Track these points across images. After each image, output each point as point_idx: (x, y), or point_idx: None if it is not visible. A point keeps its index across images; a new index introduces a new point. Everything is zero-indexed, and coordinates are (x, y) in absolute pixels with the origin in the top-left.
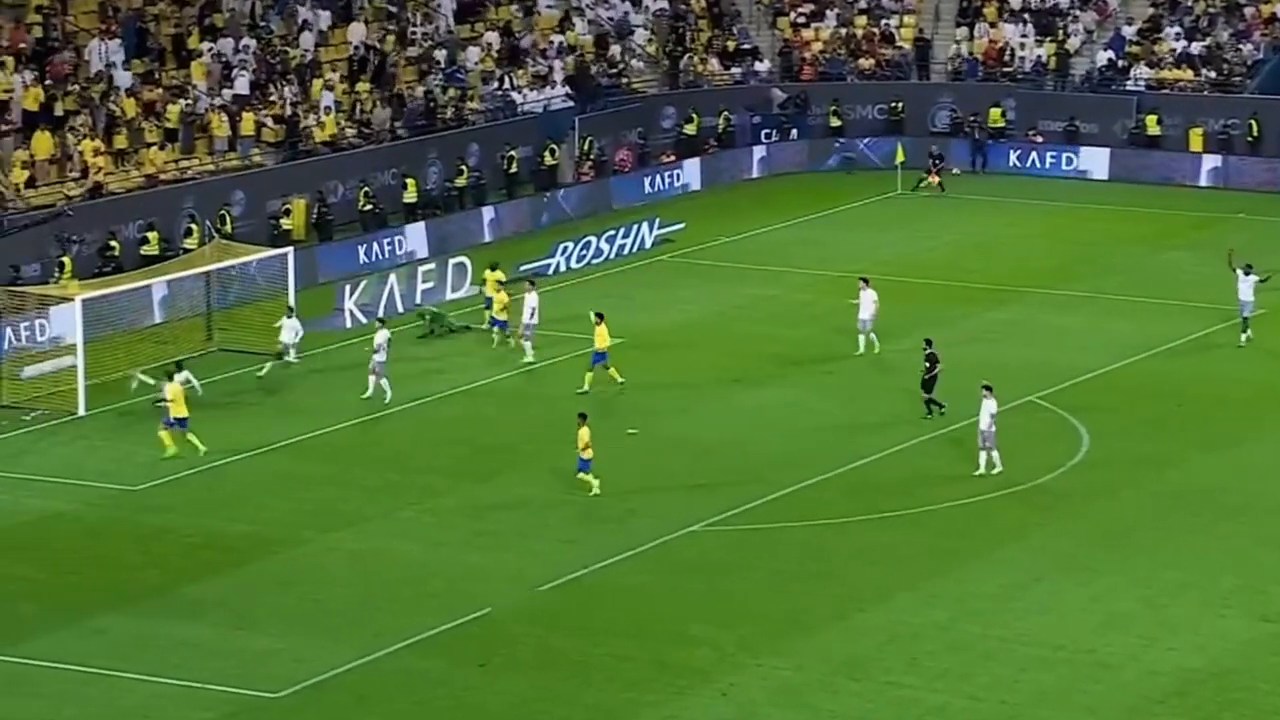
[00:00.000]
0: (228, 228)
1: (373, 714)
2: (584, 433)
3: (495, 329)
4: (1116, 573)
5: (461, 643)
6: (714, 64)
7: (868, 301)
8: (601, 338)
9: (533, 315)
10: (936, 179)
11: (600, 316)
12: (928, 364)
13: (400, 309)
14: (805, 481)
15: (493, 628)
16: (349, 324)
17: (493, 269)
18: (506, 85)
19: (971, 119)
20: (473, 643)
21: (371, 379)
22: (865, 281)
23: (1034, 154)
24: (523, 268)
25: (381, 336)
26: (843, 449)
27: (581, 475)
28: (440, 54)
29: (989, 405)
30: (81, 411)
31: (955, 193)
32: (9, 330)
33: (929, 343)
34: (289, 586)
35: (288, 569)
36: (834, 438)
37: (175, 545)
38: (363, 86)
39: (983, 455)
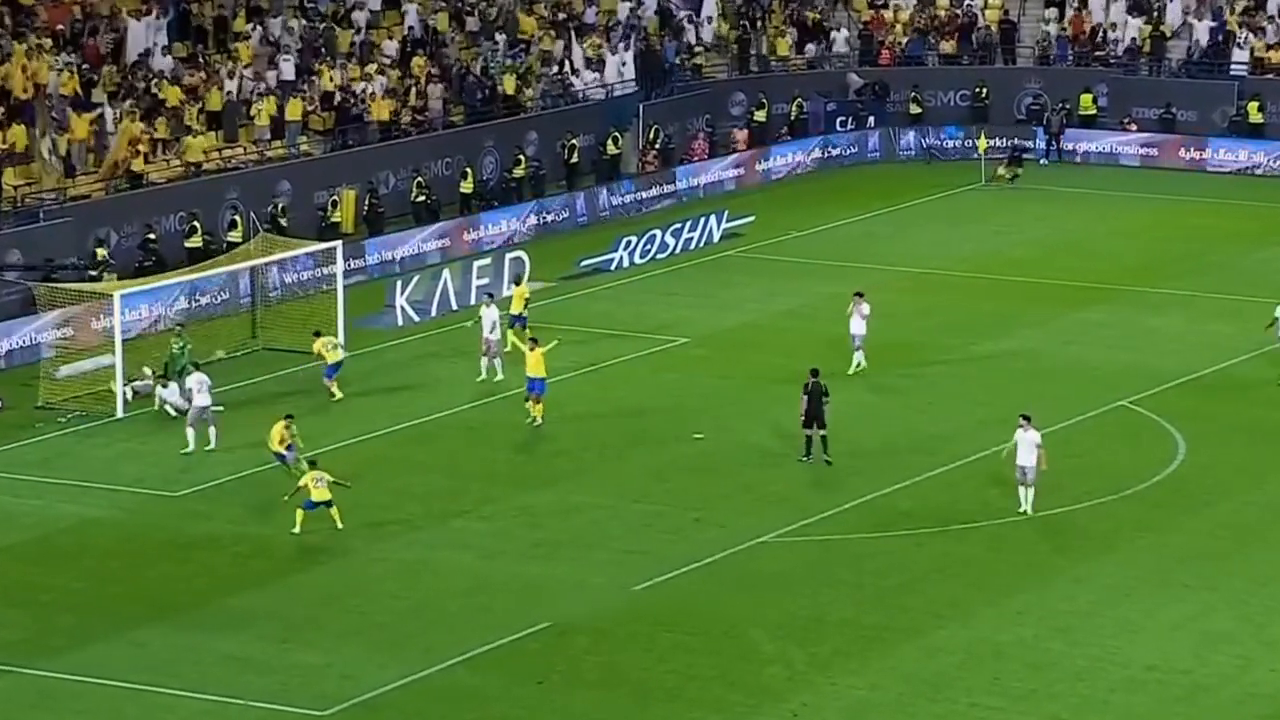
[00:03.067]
0: (282, 220)
1: None
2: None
3: (516, 326)
4: (1213, 589)
5: (518, 659)
6: (789, 39)
7: (859, 316)
8: (536, 366)
9: (493, 330)
10: (1007, 172)
11: (535, 342)
12: (824, 396)
13: (454, 306)
14: (879, 491)
15: (551, 643)
16: (400, 322)
17: (517, 283)
18: (567, 69)
19: (1060, 106)
20: (530, 659)
21: (192, 430)
22: (860, 295)
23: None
24: (584, 262)
25: (195, 379)
26: (920, 456)
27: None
28: (500, 36)
29: (1030, 437)
30: (120, 413)
31: (1040, 185)
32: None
33: (815, 372)
34: (336, 599)
35: (335, 580)
36: (910, 444)
37: (217, 554)
38: (418, 61)
39: (1021, 491)
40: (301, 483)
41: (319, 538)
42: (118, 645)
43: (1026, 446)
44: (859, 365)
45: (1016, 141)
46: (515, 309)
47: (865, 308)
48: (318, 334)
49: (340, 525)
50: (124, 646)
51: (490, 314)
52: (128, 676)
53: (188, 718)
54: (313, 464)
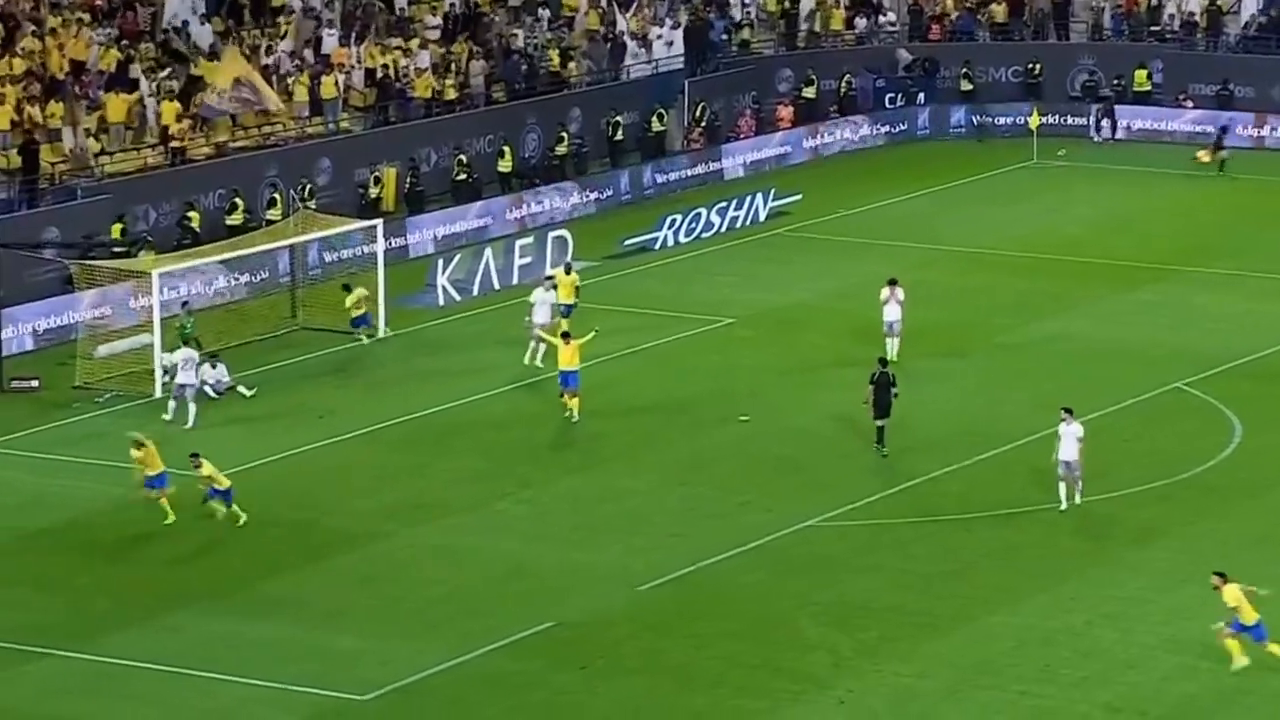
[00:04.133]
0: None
1: (464, 718)
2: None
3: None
4: (1270, 576)
5: (559, 644)
6: (839, 13)
7: (894, 303)
8: (571, 359)
9: (547, 314)
10: (1212, 156)
11: (567, 336)
12: (893, 387)
13: (496, 285)
14: (928, 475)
15: (593, 628)
16: (442, 301)
17: (567, 272)
18: (623, 36)
19: (1114, 82)
20: (571, 644)
21: (174, 403)
22: (894, 283)
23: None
24: (627, 241)
25: (182, 355)
26: (969, 440)
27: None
28: (543, 11)
29: (1073, 430)
30: (157, 393)
31: (1092, 162)
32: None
33: (884, 362)
34: (374, 583)
35: (373, 564)
36: (959, 428)
37: (254, 538)
38: (459, 47)
39: (1063, 487)
40: (206, 473)
41: (359, 522)
42: (156, 630)
43: (1069, 440)
44: (893, 353)
45: (1224, 124)
46: (563, 298)
47: (900, 293)
48: (346, 288)
49: (240, 519)
50: (162, 631)
51: (548, 298)
52: (169, 661)
53: (233, 703)
54: (195, 455)
